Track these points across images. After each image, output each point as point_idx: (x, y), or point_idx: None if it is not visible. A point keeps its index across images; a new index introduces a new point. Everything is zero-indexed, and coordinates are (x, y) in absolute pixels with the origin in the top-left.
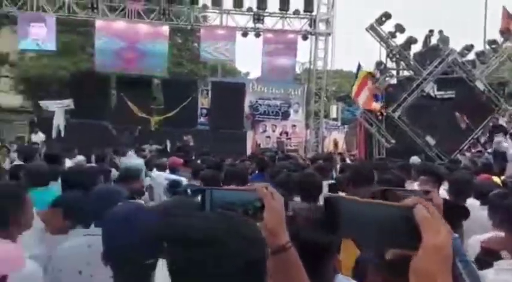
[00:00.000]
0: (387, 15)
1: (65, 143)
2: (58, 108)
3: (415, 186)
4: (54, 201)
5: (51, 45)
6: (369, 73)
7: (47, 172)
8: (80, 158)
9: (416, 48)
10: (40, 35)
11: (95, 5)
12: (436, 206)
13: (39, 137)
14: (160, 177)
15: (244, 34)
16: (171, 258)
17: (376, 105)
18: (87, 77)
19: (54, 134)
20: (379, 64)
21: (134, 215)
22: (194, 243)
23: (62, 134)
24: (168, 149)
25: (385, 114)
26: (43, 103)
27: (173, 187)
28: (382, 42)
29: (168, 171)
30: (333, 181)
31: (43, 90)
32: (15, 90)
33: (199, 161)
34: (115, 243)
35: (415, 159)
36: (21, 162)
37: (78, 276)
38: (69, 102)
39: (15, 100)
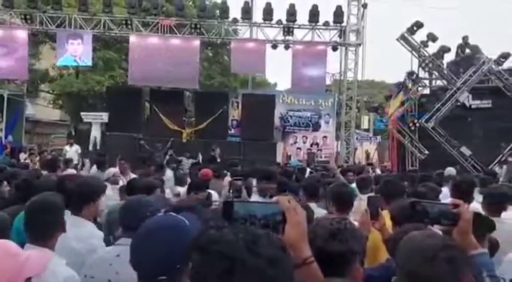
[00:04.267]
0: (419, 25)
1: (100, 155)
2: (94, 122)
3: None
4: None
5: (87, 61)
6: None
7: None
8: (112, 170)
9: (449, 57)
10: (77, 51)
11: (129, 22)
12: (464, 221)
13: (74, 148)
14: None
15: (274, 46)
16: (193, 268)
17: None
18: (122, 91)
19: (90, 147)
20: (410, 74)
21: (156, 231)
22: (218, 257)
23: (98, 147)
24: (201, 161)
25: (418, 125)
26: (83, 114)
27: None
28: (413, 52)
29: None
30: (371, 193)
31: (80, 105)
32: (54, 104)
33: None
34: (134, 257)
35: (450, 171)
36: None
37: None
38: (104, 116)
39: (54, 114)
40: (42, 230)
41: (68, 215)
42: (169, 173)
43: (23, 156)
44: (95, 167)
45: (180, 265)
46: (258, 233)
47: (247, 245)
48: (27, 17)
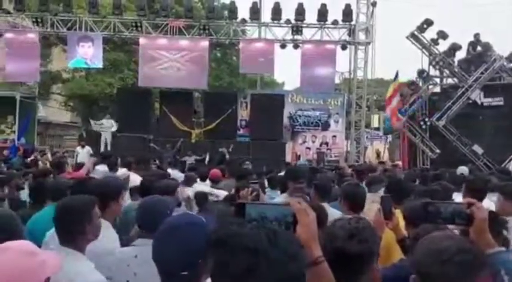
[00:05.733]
0: (429, 22)
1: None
2: (102, 131)
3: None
4: None
5: (98, 63)
6: (402, 83)
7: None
8: (123, 170)
9: (460, 54)
10: (88, 53)
11: (138, 24)
12: (479, 220)
13: (85, 150)
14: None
15: (283, 46)
16: (213, 261)
17: (399, 124)
18: (132, 92)
19: (102, 148)
20: (421, 72)
21: (178, 227)
22: (241, 250)
23: (109, 148)
24: (206, 162)
25: (428, 123)
26: (93, 122)
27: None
28: (424, 50)
29: (209, 182)
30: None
31: (91, 106)
32: (65, 106)
33: None
34: (158, 253)
35: (462, 169)
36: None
37: None
38: (111, 124)
39: (65, 116)
40: (70, 233)
41: None
42: (177, 174)
43: (33, 156)
44: (100, 167)
45: (200, 260)
46: (277, 229)
47: (269, 239)
48: (39, 20)
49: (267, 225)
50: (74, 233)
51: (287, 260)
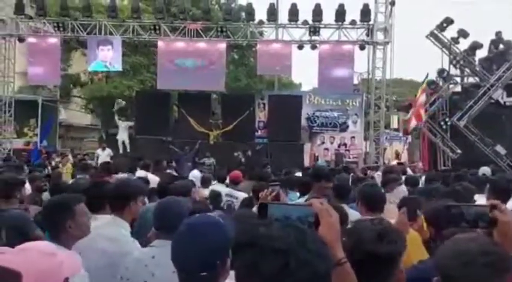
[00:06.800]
0: (449, 21)
1: (130, 158)
2: (122, 125)
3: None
4: None
5: (117, 66)
6: (428, 83)
7: None
8: (141, 172)
9: (481, 53)
10: (107, 56)
11: (157, 27)
12: (502, 223)
13: (106, 152)
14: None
15: (300, 47)
16: (241, 263)
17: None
18: (151, 95)
19: (121, 150)
20: (441, 72)
21: (198, 228)
22: (271, 251)
23: (128, 150)
24: (214, 163)
25: (449, 123)
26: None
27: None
28: (444, 49)
29: (229, 183)
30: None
31: (111, 109)
32: (85, 109)
33: None
34: (177, 253)
35: (485, 170)
36: None
37: None
38: (126, 124)
39: (85, 118)
40: (53, 229)
41: (107, 215)
42: (196, 173)
43: (54, 162)
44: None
45: (219, 262)
46: (305, 229)
47: (298, 239)
48: (60, 24)
49: (294, 224)
50: (57, 228)
51: (316, 260)
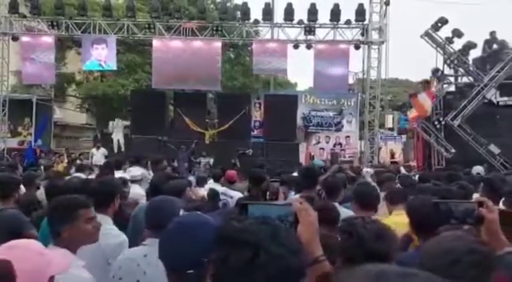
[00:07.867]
0: (443, 21)
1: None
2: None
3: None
4: None
5: (112, 65)
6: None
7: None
8: (140, 170)
9: (476, 53)
10: (102, 55)
11: (152, 26)
12: (488, 221)
13: (101, 151)
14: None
15: (296, 46)
16: (215, 256)
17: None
18: (146, 94)
19: (115, 149)
20: (435, 71)
21: (187, 226)
22: (242, 244)
23: (123, 149)
24: (211, 164)
25: (443, 122)
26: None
27: None
28: (438, 49)
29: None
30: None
31: (106, 108)
32: (80, 108)
33: None
34: (165, 250)
35: (478, 169)
36: None
37: None
38: (122, 124)
39: (80, 118)
40: (54, 232)
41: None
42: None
43: (51, 158)
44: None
45: (207, 260)
46: (279, 225)
47: (270, 234)
48: (54, 23)
49: (268, 220)
50: (58, 232)
51: (287, 255)
